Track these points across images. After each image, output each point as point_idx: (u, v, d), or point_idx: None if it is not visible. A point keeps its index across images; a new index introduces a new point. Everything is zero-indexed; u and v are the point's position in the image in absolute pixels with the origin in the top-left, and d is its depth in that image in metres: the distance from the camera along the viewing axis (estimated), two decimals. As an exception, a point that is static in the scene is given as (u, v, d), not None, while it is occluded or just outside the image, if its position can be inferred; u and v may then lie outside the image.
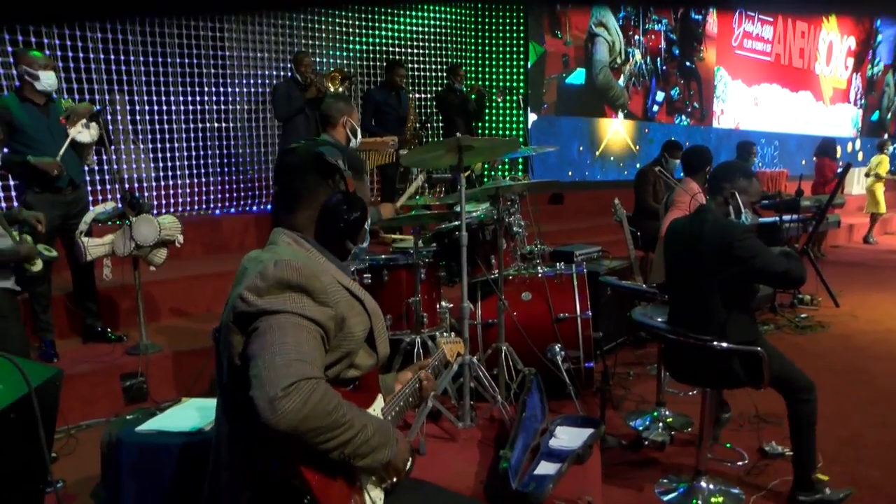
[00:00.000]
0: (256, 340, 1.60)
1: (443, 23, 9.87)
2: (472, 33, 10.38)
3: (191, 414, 2.85)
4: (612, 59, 11.69)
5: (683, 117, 13.39)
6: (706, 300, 3.24)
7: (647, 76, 12.46)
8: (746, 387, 3.24)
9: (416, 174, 5.19)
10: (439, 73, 9.66)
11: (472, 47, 10.40)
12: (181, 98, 7.34)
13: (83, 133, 4.67)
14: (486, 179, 7.98)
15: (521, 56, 10.31)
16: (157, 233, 4.54)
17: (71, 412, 4.09)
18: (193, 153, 7.52)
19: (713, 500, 3.36)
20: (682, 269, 3.40)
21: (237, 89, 7.82)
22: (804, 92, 16.32)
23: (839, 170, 10.10)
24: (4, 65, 5.84)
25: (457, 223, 3.99)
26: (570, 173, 11.18)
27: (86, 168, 5.08)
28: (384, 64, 8.33)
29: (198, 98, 7.47)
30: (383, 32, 9.13)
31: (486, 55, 10.43)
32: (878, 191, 11.64)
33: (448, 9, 9.88)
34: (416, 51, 9.54)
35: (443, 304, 4.31)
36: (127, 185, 6.32)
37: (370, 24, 8.95)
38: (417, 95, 9.31)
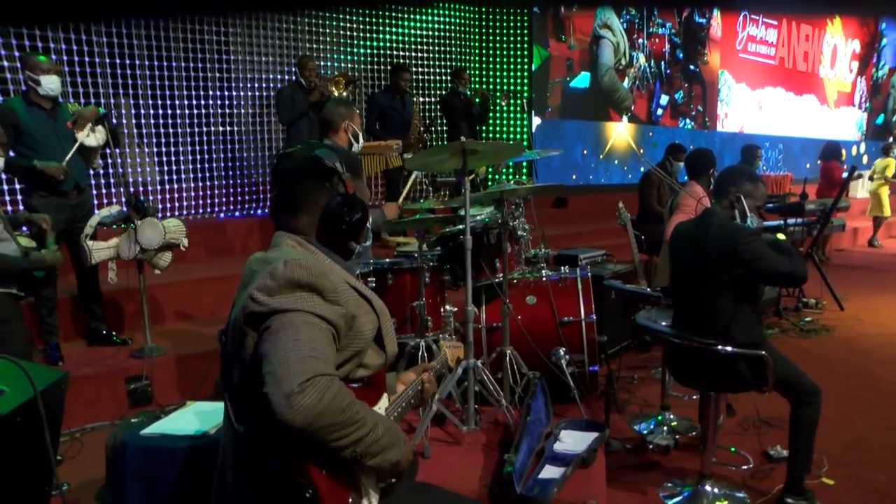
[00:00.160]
0: (269, 339, 1.61)
1: (447, 26, 9.88)
2: (477, 37, 10.38)
3: (195, 417, 2.85)
4: (616, 60, 11.70)
5: (687, 121, 13.39)
6: (711, 303, 3.24)
7: (651, 80, 12.46)
8: (750, 390, 3.23)
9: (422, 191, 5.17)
10: (443, 77, 9.67)
11: (476, 51, 10.41)
12: (186, 102, 7.36)
13: (90, 137, 4.68)
14: (490, 183, 7.97)
15: (525, 60, 10.31)
16: (161, 236, 4.55)
17: (75, 415, 4.10)
18: (198, 157, 7.54)
19: (717, 503, 3.36)
20: (688, 273, 3.41)
21: (242, 93, 7.84)
22: (808, 95, 16.30)
23: (843, 174, 10.08)
24: (12, 69, 5.86)
25: (461, 227, 3.99)
26: (574, 177, 11.17)
27: (91, 172, 5.10)
28: (388, 68, 8.35)
29: (202, 102, 7.49)
30: (387, 36, 9.14)
31: (491, 59, 10.43)
32: (882, 194, 11.60)
33: (452, 12, 9.89)
34: (420, 54, 9.55)
35: (447, 307, 4.31)
36: (132, 189, 6.32)
37: (374, 27, 8.97)
38: (422, 99, 9.31)
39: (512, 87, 10.32)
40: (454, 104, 8.18)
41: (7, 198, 5.92)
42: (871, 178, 11.84)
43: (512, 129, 10.44)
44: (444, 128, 8.90)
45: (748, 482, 3.60)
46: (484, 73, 10.46)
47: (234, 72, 7.73)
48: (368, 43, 8.93)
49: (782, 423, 3.70)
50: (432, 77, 9.70)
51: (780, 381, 3.15)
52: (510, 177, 8.66)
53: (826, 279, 7.46)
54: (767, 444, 3.89)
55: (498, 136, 10.38)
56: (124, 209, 4.58)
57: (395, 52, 9.20)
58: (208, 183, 7.66)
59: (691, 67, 13.30)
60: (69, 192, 4.67)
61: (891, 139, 13.54)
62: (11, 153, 4.47)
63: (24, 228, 4.15)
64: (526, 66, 10.32)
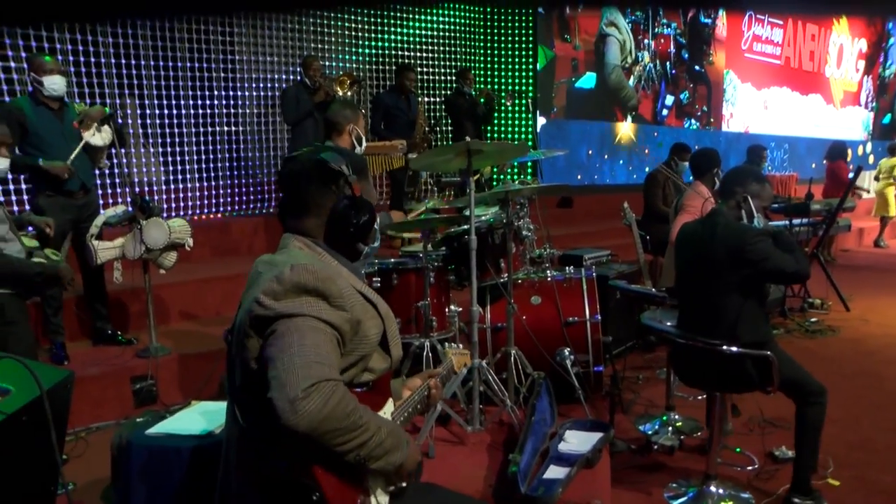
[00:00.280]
0: (275, 343, 1.62)
1: (452, 26, 9.89)
2: (481, 37, 10.38)
3: (200, 417, 2.85)
4: (623, 59, 11.69)
5: (693, 121, 13.37)
6: (717, 302, 3.25)
7: (656, 80, 12.44)
8: (755, 390, 3.23)
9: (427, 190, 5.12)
10: (448, 77, 9.67)
11: (481, 51, 10.41)
12: (191, 102, 7.37)
13: (95, 136, 4.69)
14: (495, 183, 7.98)
15: (530, 60, 10.31)
16: (167, 236, 4.56)
17: (81, 415, 4.11)
18: (203, 157, 7.55)
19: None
20: (694, 273, 3.41)
21: (247, 93, 7.85)
22: (814, 95, 16.25)
23: (850, 174, 10.05)
24: (19, 70, 5.88)
25: (466, 227, 3.99)
26: (579, 177, 11.17)
27: (97, 172, 5.11)
28: (393, 67, 8.35)
29: (207, 102, 7.50)
30: (392, 36, 9.14)
31: (495, 59, 10.44)
32: (889, 194, 11.55)
33: (457, 13, 9.90)
34: (425, 54, 9.56)
35: (452, 307, 4.30)
36: (137, 189, 6.33)
37: (379, 27, 8.97)
38: (427, 99, 9.32)
39: (517, 87, 10.32)
40: (459, 104, 8.18)
41: (14, 198, 5.94)
42: (876, 178, 11.80)
43: (517, 129, 10.45)
44: (449, 128, 8.90)
45: (753, 483, 3.59)
46: (489, 73, 10.45)
47: (239, 72, 7.74)
48: (373, 43, 8.94)
49: (787, 423, 3.70)
50: (437, 77, 9.71)
51: (785, 382, 3.14)
52: (515, 177, 8.64)
53: (832, 279, 7.44)
54: (772, 445, 3.88)
55: (503, 136, 10.38)
56: (130, 209, 4.59)
57: (400, 52, 9.21)
58: (213, 183, 7.67)
59: (696, 68, 13.28)
60: (75, 192, 4.69)
61: (897, 139, 13.50)
62: (17, 152, 4.48)
63: (30, 229, 4.16)
64: (531, 66, 10.32)
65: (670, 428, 4.16)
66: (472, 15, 10.17)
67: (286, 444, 1.60)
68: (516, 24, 10.36)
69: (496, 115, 9.55)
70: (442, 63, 9.75)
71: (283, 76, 8.05)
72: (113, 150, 4.94)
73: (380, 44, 9.01)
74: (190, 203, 7.47)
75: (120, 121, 6.63)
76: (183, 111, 7.32)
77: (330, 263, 1.84)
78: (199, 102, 7.44)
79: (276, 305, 1.65)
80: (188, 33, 7.22)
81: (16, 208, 5.82)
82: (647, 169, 9.90)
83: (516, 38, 10.37)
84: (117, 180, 6.61)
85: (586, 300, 4.45)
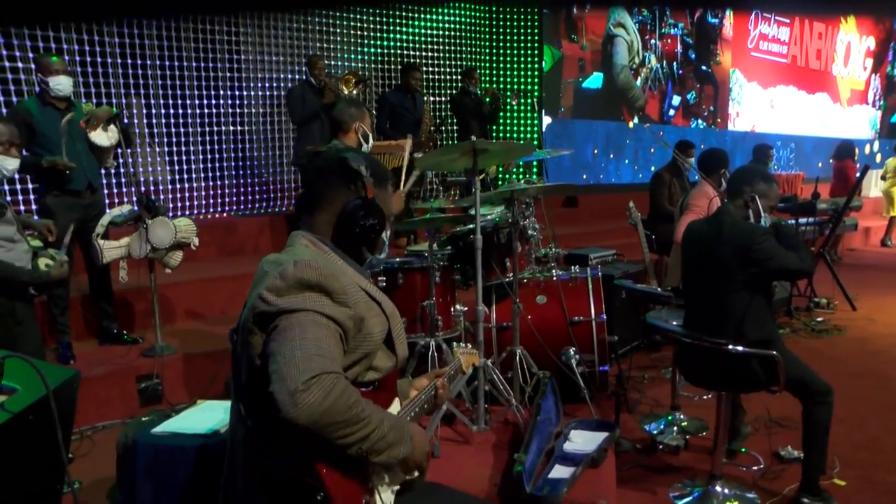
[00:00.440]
0: (276, 338, 1.62)
1: (457, 26, 9.89)
2: (487, 36, 10.38)
3: (206, 416, 2.86)
4: (630, 59, 11.68)
5: (700, 121, 13.34)
6: (724, 301, 3.25)
7: (663, 80, 12.42)
8: (761, 390, 3.22)
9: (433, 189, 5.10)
10: (454, 77, 9.67)
11: (487, 50, 10.40)
12: (197, 101, 7.39)
13: (101, 136, 4.71)
14: (500, 183, 7.97)
15: (536, 59, 10.30)
16: (172, 235, 4.57)
17: (87, 414, 4.13)
18: (209, 156, 7.57)
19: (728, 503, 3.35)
20: (700, 272, 3.41)
21: (252, 92, 7.86)
22: (821, 94, 16.20)
23: (857, 174, 10.01)
24: (27, 70, 5.90)
25: (471, 226, 3.99)
26: (584, 176, 11.16)
27: (103, 171, 5.13)
28: (399, 67, 8.36)
29: (213, 101, 7.52)
30: (398, 35, 9.15)
31: (501, 58, 10.43)
32: (895, 193, 11.52)
33: (463, 12, 9.90)
34: (431, 54, 9.56)
35: (457, 307, 4.31)
36: (143, 188, 6.36)
37: (385, 27, 8.98)
38: (432, 98, 9.31)
39: (522, 87, 10.31)
40: (465, 103, 8.18)
41: (20, 197, 5.96)
42: (883, 178, 11.75)
43: (522, 128, 10.44)
44: (455, 127, 8.91)
45: (759, 483, 3.58)
46: (494, 72, 10.45)
47: (245, 71, 7.75)
48: (379, 42, 8.95)
49: (793, 423, 3.69)
50: (443, 76, 9.71)
51: (791, 381, 3.14)
52: (520, 176, 8.63)
53: (838, 279, 7.42)
54: (778, 445, 3.87)
55: (508, 135, 10.38)
56: (135, 208, 4.60)
57: (405, 52, 9.21)
58: (219, 182, 7.69)
59: (703, 68, 13.25)
60: (82, 192, 4.71)
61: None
62: (25, 153, 4.50)
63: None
64: (536, 66, 10.30)
65: (675, 427, 4.15)
66: (478, 14, 10.17)
67: (289, 441, 1.60)
68: (522, 24, 10.35)
69: (501, 114, 9.55)
70: (447, 62, 9.75)
71: (289, 76, 8.06)
72: (119, 150, 4.95)
73: (385, 43, 9.01)
74: (196, 202, 7.49)
75: (126, 120, 6.64)
76: (189, 111, 7.34)
77: (335, 261, 1.84)
78: (205, 102, 7.45)
79: (279, 301, 1.65)
80: (194, 33, 7.24)
81: (22, 208, 5.84)
82: (652, 168, 9.88)
83: (522, 38, 10.35)
84: (123, 180, 6.63)
85: (592, 300, 4.45)
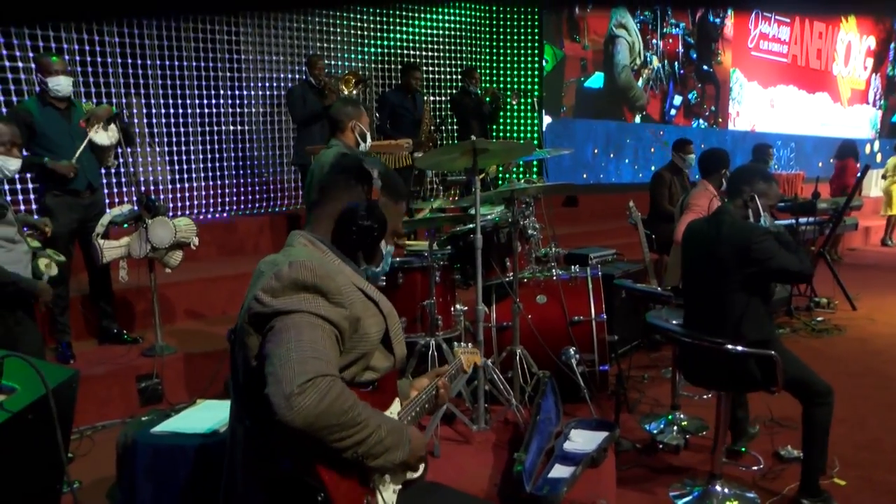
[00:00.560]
0: (272, 339, 1.61)
1: (458, 25, 9.88)
2: (487, 36, 10.37)
3: (206, 415, 2.86)
4: (632, 60, 11.68)
5: (701, 121, 13.34)
6: (723, 300, 3.24)
7: (664, 80, 12.42)
8: (761, 390, 3.22)
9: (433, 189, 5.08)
10: (454, 76, 9.67)
11: (487, 50, 10.40)
12: (197, 101, 7.38)
13: (101, 135, 4.70)
14: (500, 182, 7.96)
15: (536, 59, 10.29)
16: (172, 235, 4.57)
17: (86, 413, 4.13)
18: (209, 156, 7.56)
19: (728, 503, 3.34)
20: (699, 271, 3.41)
21: (252, 92, 7.86)
22: (821, 93, 16.19)
23: (858, 173, 10.00)
24: (27, 70, 5.90)
25: (471, 226, 3.99)
26: (584, 176, 11.16)
27: (103, 171, 5.13)
28: (399, 66, 8.35)
29: (213, 101, 7.51)
30: (398, 35, 9.14)
31: (501, 58, 10.42)
32: (895, 192, 11.51)
33: (463, 11, 9.89)
34: (431, 53, 9.55)
35: (457, 306, 4.30)
36: (143, 188, 6.35)
37: (385, 26, 8.98)
38: (432, 98, 9.31)
39: (522, 86, 10.30)
40: (465, 103, 8.18)
41: (20, 197, 5.96)
42: (884, 177, 11.73)
43: (522, 128, 10.43)
44: (455, 127, 8.90)
45: (759, 482, 3.58)
46: (495, 72, 10.45)
47: (245, 71, 7.75)
48: (379, 42, 8.94)
49: (793, 423, 3.69)
50: (443, 76, 9.70)
51: (791, 381, 3.13)
52: (520, 176, 8.62)
53: (838, 278, 7.42)
54: (778, 445, 3.87)
55: (508, 135, 10.37)
56: (135, 208, 4.60)
57: (405, 52, 9.21)
58: (219, 182, 7.68)
59: (705, 68, 13.25)
60: (82, 192, 4.71)
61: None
62: (25, 153, 4.50)
63: (25, 229, 4.17)
64: (536, 65, 10.30)
65: (675, 427, 4.15)
66: (478, 14, 10.16)
67: (287, 442, 1.59)
68: (522, 24, 10.34)
69: (502, 114, 9.54)
70: (448, 62, 9.75)
71: (289, 75, 8.06)
72: (119, 150, 4.95)
73: (386, 43, 9.01)
74: (196, 202, 7.49)
75: (126, 120, 6.64)
76: (189, 110, 7.34)
77: (332, 261, 1.83)
78: (206, 102, 7.45)
79: (274, 302, 1.65)
80: (194, 33, 7.23)
81: (22, 207, 5.84)
82: (652, 168, 9.88)
83: (522, 38, 10.35)
84: (123, 179, 6.62)
85: (592, 299, 4.45)
